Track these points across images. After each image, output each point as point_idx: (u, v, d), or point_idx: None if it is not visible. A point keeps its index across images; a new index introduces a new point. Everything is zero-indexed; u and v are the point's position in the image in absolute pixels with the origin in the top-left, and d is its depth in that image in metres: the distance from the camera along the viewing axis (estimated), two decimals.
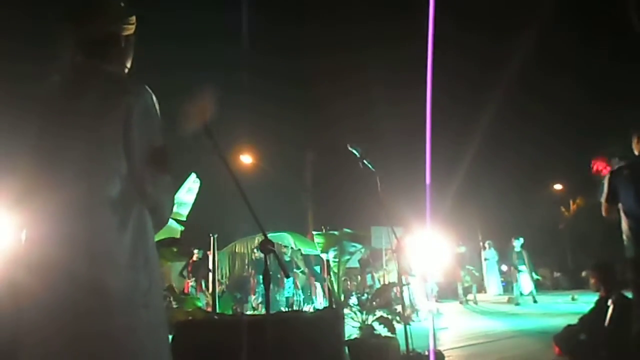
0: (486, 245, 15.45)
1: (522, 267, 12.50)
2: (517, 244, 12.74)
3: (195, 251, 13.13)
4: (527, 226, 18.21)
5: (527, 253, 12.72)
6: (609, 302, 4.63)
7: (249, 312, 9.24)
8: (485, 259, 15.31)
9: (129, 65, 2.02)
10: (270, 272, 2.46)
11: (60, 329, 1.62)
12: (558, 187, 24.29)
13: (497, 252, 15.09)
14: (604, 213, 4.03)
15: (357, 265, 10.67)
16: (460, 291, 13.55)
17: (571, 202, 23.09)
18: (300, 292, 12.06)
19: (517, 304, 12.00)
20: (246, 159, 15.43)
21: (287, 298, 11.60)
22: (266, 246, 2.52)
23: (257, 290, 12.69)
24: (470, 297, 13.70)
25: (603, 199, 3.99)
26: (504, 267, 17.05)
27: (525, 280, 12.55)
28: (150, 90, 1.88)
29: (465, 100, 13.58)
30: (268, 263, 2.54)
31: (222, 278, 13.44)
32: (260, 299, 12.53)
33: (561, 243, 22.52)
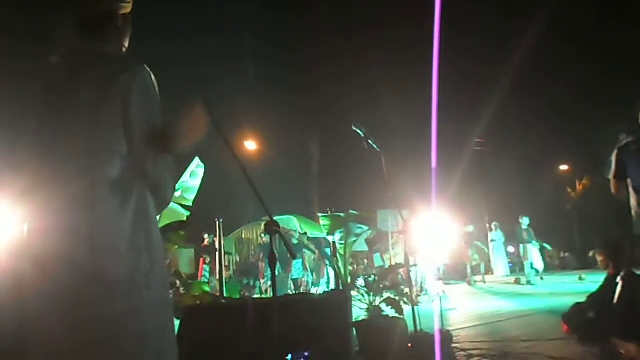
0: (492, 226, 15.42)
1: (531, 245, 12.61)
2: (525, 221, 12.78)
3: (206, 236, 13.23)
4: (533, 207, 18.12)
5: (534, 230, 12.79)
6: (618, 279, 4.60)
7: (256, 296, 9.28)
8: (492, 240, 15.29)
9: (126, 44, 1.99)
10: (277, 255, 2.46)
11: (62, 317, 1.65)
12: (564, 167, 24.15)
13: (503, 234, 15.07)
14: (613, 190, 3.98)
15: (365, 248, 10.74)
16: (468, 271, 13.66)
17: (577, 182, 22.96)
18: (309, 273, 12.14)
19: (529, 283, 12.10)
20: (250, 145, 15.41)
21: (295, 280, 11.66)
22: (271, 227, 2.52)
23: (265, 274, 12.78)
24: (478, 277, 13.80)
25: (611, 176, 3.94)
26: (511, 249, 17.09)
27: (536, 256, 12.71)
28: (148, 69, 1.86)
29: (471, 81, 13.42)
30: (274, 244, 2.53)
31: (229, 263, 13.53)
32: (269, 283, 12.61)
33: (568, 223, 22.45)
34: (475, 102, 14.56)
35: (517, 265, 16.49)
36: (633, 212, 3.81)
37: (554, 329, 5.11)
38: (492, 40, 12.23)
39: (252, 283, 12.85)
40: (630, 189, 3.80)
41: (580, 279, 12.08)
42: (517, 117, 16.58)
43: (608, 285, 4.72)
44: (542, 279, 12.50)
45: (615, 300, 4.48)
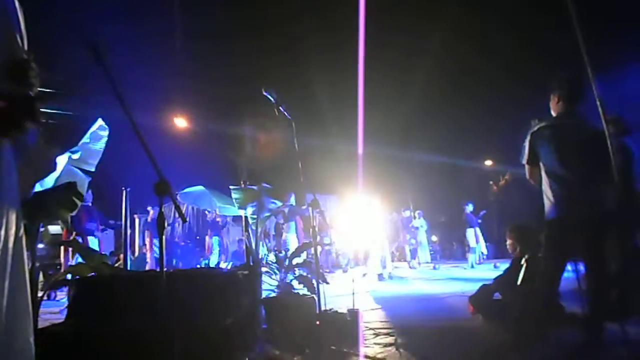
0: (416, 214, 15.83)
1: (476, 229, 13.70)
2: (469, 207, 13.94)
3: (150, 208, 12.73)
4: (456, 199, 18.74)
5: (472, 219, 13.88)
6: (522, 261, 4.74)
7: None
8: (416, 228, 15.68)
9: None
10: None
11: None
12: (488, 162, 25.10)
13: (426, 222, 15.59)
14: (528, 176, 4.03)
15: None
16: (407, 253, 14.87)
17: (501, 177, 23.94)
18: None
19: (472, 267, 13.01)
20: (180, 122, 14.82)
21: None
22: (161, 187, 2.29)
23: (213, 250, 12.72)
24: (414, 261, 14.63)
25: (524, 161, 3.98)
26: (434, 237, 17.65)
27: (481, 240, 13.93)
28: None
29: (398, 68, 13.43)
30: (166, 208, 2.30)
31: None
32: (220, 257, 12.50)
33: (489, 215, 23.39)
34: (402, 92, 14.67)
35: (437, 253, 17.21)
36: (545, 197, 3.88)
37: (463, 309, 5.21)
38: (420, 32, 12.23)
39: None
40: (543, 174, 3.86)
41: (495, 266, 12.62)
42: (444, 108, 16.87)
43: (514, 268, 4.86)
44: (473, 267, 13.12)
45: (518, 282, 4.61)
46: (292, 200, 5.31)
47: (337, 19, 10.74)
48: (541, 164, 3.90)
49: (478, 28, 12.11)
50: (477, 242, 13.64)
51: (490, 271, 11.02)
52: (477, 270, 12.35)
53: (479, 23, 11.97)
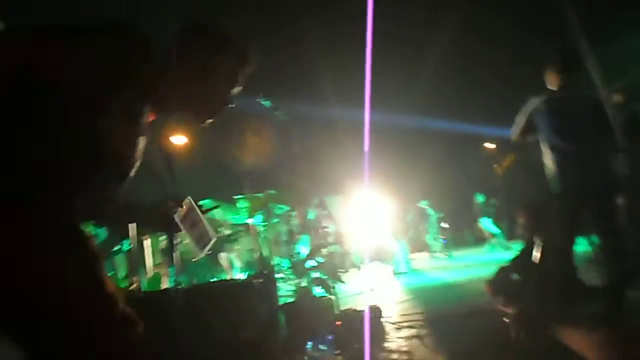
0: (428, 204, 15.84)
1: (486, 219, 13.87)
2: (479, 198, 14.26)
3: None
4: (463, 186, 18.67)
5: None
6: (536, 240, 4.71)
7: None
8: (428, 217, 15.68)
9: None
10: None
11: None
12: (490, 146, 24.98)
13: (436, 211, 15.61)
14: (514, 138, 4.01)
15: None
16: (430, 244, 14.80)
17: (504, 159, 23.75)
18: None
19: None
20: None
21: None
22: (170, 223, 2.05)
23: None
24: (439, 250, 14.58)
25: (517, 130, 3.95)
26: (445, 225, 17.61)
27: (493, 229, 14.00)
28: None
29: (404, 59, 13.06)
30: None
31: None
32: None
33: (497, 198, 23.25)
34: (408, 81, 14.40)
35: (449, 241, 17.17)
36: (548, 172, 3.85)
37: (483, 293, 5.17)
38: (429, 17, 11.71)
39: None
40: (546, 149, 3.83)
41: (507, 248, 12.55)
42: (445, 94, 16.67)
43: (529, 247, 4.83)
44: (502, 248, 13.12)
45: (535, 261, 4.58)
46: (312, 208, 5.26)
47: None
48: (543, 141, 3.88)
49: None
50: (493, 229, 13.67)
51: (505, 254, 10.96)
52: (494, 253, 12.31)
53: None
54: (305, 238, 8.16)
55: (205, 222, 2.06)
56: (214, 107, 1.68)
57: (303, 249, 9.13)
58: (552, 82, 3.88)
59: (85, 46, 1.26)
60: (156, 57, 1.46)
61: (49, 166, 1.22)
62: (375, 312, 4.46)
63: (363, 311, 4.39)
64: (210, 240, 2.12)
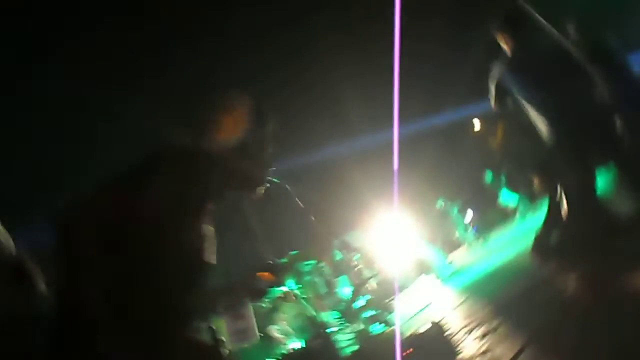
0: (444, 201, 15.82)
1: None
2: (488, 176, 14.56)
3: None
4: (470, 168, 18.57)
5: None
6: (557, 197, 4.66)
7: None
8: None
9: None
10: None
11: None
12: (479, 121, 25.02)
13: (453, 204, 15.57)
14: (494, 108, 4.04)
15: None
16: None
17: (496, 130, 23.76)
18: None
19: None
20: None
21: None
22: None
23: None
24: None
25: (493, 99, 3.99)
26: (469, 212, 17.48)
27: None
28: None
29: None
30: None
31: None
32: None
33: (505, 169, 23.09)
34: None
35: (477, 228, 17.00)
36: (538, 127, 3.87)
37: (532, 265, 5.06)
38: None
39: None
40: (528, 106, 3.84)
41: (535, 211, 12.43)
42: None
43: (553, 206, 4.76)
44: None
45: (564, 217, 4.50)
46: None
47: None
48: (521, 99, 3.91)
49: None
50: (513, 199, 13.65)
51: (535, 218, 10.82)
52: (526, 221, 12.15)
53: None
54: (343, 279, 8.09)
55: (254, 318, 2.11)
56: (261, 173, 1.77)
57: (346, 290, 9.03)
58: (507, 46, 3.95)
59: (148, 185, 1.39)
60: (204, 157, 1.55)
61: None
62: (440, 327, 4.38)
63: (428, 329, 4.30)
64: (253, 338, 2.15)
